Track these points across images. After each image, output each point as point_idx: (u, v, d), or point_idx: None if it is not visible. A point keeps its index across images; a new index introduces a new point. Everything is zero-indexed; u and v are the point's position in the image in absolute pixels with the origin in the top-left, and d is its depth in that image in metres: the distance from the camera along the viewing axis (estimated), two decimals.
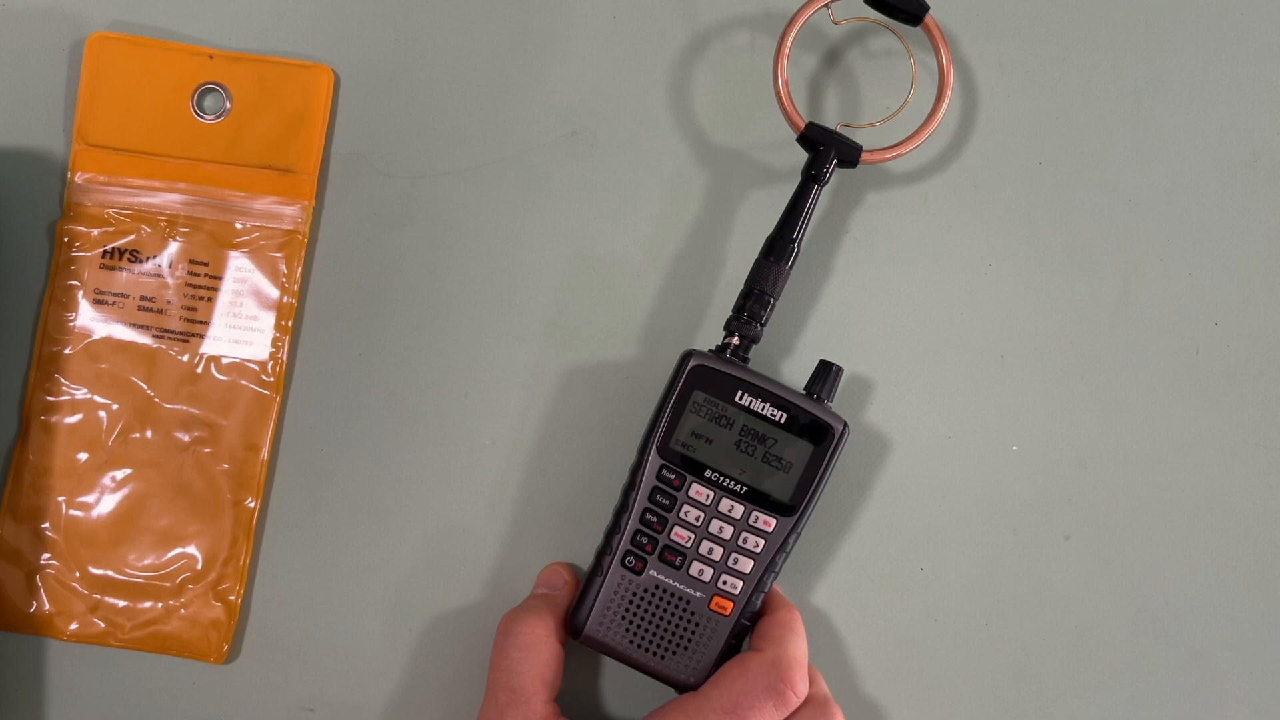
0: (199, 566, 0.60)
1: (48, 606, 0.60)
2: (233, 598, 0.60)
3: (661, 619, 0.57)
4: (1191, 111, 0.63)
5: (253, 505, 0.60)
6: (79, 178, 0.60)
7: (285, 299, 0.61)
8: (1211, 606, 0.62)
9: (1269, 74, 0.63)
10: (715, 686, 0.54)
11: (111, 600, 0.60)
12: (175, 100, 0.61)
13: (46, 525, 0.60)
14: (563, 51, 0.63)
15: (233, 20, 0.62)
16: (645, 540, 0.57)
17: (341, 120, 0.62)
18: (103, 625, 0.60)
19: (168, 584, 0.60)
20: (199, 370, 0.60)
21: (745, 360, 0.58)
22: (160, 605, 0.60)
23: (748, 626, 0.57)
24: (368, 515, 0.61)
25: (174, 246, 0.61)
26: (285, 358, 0.61)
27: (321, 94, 0.61)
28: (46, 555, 0.60)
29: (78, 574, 0.60)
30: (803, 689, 0.54)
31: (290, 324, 0.61)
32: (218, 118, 0.61)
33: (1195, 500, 0.63)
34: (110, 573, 0.60)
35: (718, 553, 0.56)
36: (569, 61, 0.63)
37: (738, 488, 0.56)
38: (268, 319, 0.61)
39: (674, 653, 0.57)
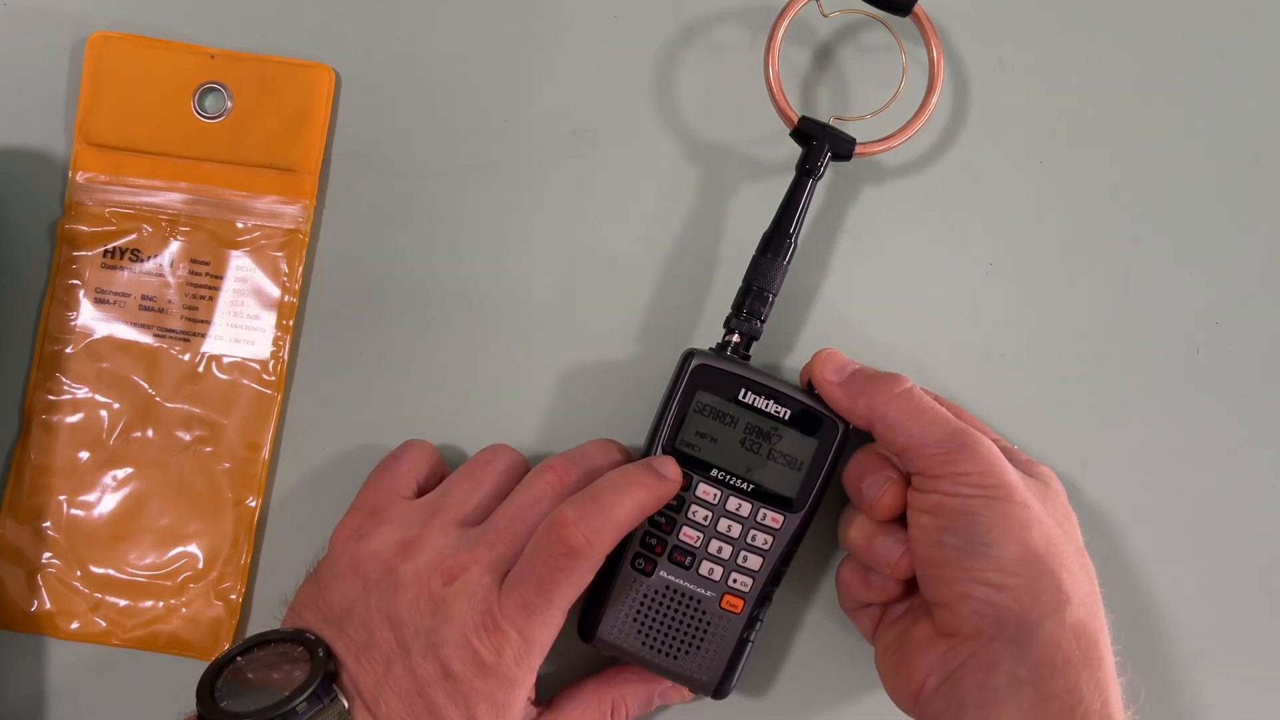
0: (200, 565, 0.60)
1: (49, 605, 0.59)
2: (234, 597, 0.60)
3: (673, 619, 0.57)
4: (1191, 111, 0.63)
5: (254, 504, 0.60)
6: (80, 177, 0.60)
7: (286, 298, 0.61)
8: (1211, 606, 0.63)
9: (1269, 74, 0.64)
10: None
11: (112, 599, 0.60)
12: (176, 99, 0.61)
13: (48, 524, 0.60)
14: (563, 51, 0.63)
15: (234, 20, 0.62)
16: (654, 541, 0.57)
17: (342, 120, 0.62)
18: (104, 624, 0.60)
19: (169, 583, 0.60)
20: (200, 369, 0.60)
21: (747, 358, 0.58)
22: (161, 604, 0.60)
23: (759, 623, 0.57)
24: None
25: (175, 246, 0.61)
26: (286, 357, 0.61)
27: (322, 93, 0.61)
28: (48, 554, 0.60)
29: (79, 573, 0.60)
30: None
31: (291, 323, 0.61)
32: (219, 117, 0.61)
33: (1195, 500, 0.63)
34: (111, 572, 0.60)
35: (727, 551, 0.56)
36: (569, 61, 0.63)
37: (744, 485, 0.56)
38: (269, 318, 0.61)
39: (687, 652, 0.57)
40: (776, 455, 0.56)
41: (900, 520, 0.56)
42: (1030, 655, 0.51)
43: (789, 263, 0.58)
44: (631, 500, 0.53)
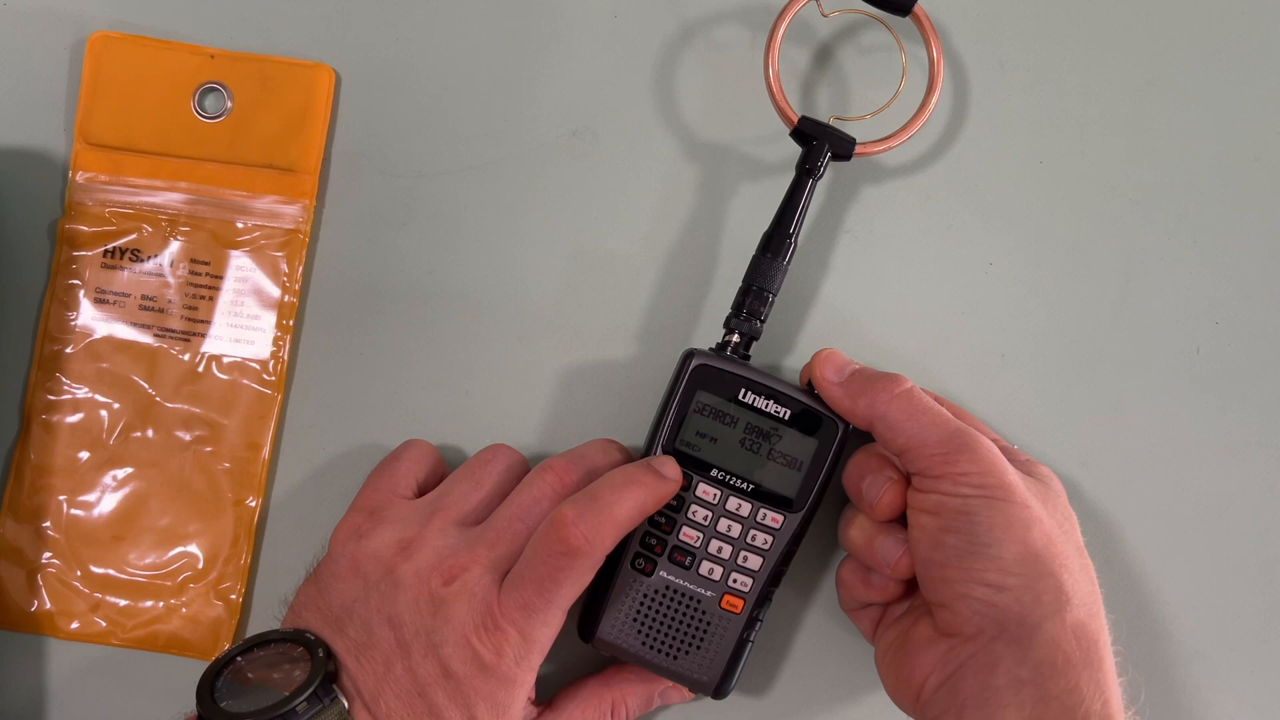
0: (200, 565, 0.60)
1: (49, 605, 0.59)
2: (234, 597, 0.60)
3: (673, 619, 0.57)
4: (1191, 111, 0.63)
5: (254, 504, 0.60)
6: (80, 177, 0.60)
7: (286, 298, 0.61)
8: (1211, 606, 0.63)
9: (1269, 74, 0.64)
10: None
11: (112, 599, 0.60)
12: (176, 99, 0.61)
13: (48, 524, 0.60)
14: (563, 51, 0.63)
15: (234, 19, 0.62)
16: (654, 541, 0.57)
17: (342, 120, 0.62)
18: (104, 624, 0.60)
19: (169, 583, 0.60)
20: (200, 369, 0.60)
21: (746, 357, 0.58)
22: (161, 604, 0.60)
23: (759, 623, 0.57)
24: None
25: (175, 245, 0.61)
26: (286, 357, 0.61)
27: (322, 93, 0.61)
28: (48, 554, 0.60)
29: (79, 573, 0.60)
30: None
31: (291, 323, 0.61)
32: (219, 117, 0.61)
33: (1195, 500, 0.63)
34: (111, 571, 0.60)
35: (727, 551, 0.56)
36: (569, 61, 0.63)
37: (744, 485, 0.56)
38: (269, 318, 0.61)
39: (687, 652, 0.57)
40: (776, 455, 0.56)
41: (900, 520, 0.56)
42: (1031, 655, 0.51)
43: (789, 263, 0.58)
44: (631, 500, 0.53)
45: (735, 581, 0.56)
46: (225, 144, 0.61)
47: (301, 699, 0.50)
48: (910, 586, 0.57)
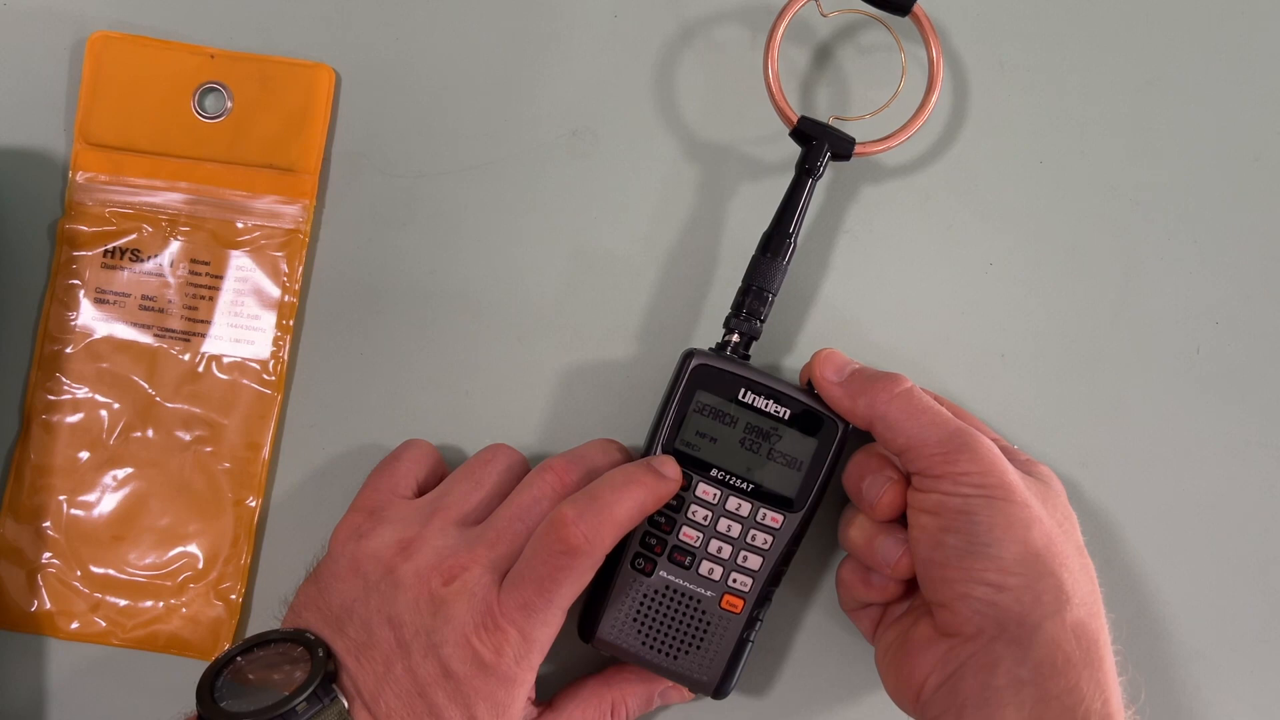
0: (200, 565, 0.60)
1: (49, 605, 0.59)
2: (234, 597, 0.60)
3: (673, 619, 0.57)
4: (1191, 111, 0.63)
5: (254, 504, 0.60)
6: (80, 177, 0.60)
7: (286, 298, 0.61)
8: (1211, 606, 0.63)
9: (1269, 74, 0.64)
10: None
11: (112, 599, 0.60)
12: (176, 99, 0.61)
13: (48, 524, 0.60)
14: (563, 51, 0.63)
15: (234, 19, 0.62)
16: (654, 541, 0.57)
17: (342, 120, 0.62)
18: (104, 624, 0.60)
19: (169, 583, 0.60)
20: (200, 369, 0.60)
21: (746, 357, 0.58)
22: (161, 604, 0.60)
23: (759, 623, 0.57)
24: None
25: (175, 245, 0.61)
26: (286, 357, 0.61)
27: (322, 93, 0.61)
28: (48, 554, 0.60)
29: (79, 573, 0.60)
30: None
31: (291, 323, 0.61)
32: (219, 117, 0.61)
33: (1195, 500, 0.63)
34: (111, 571, 0.60)
35: (727, 551, 0.56)
36: (569, 61, 0.63)
37: (744, 485, 0.56)
38: (269, 318, 0.61)
39: (686, 652, 0.57)
40: (776, 455, 0.56)
41: (900, 520, 0.56)
42: (1031, 655, 0.51)
43: (789, 263, 0.58)
44: (631, 499, 0.53)
45: (735, 581, 0.56)
46: (225, 144, 0.61)
47: (301, 699, 0.50)
48: (910, 586, 0.57)
